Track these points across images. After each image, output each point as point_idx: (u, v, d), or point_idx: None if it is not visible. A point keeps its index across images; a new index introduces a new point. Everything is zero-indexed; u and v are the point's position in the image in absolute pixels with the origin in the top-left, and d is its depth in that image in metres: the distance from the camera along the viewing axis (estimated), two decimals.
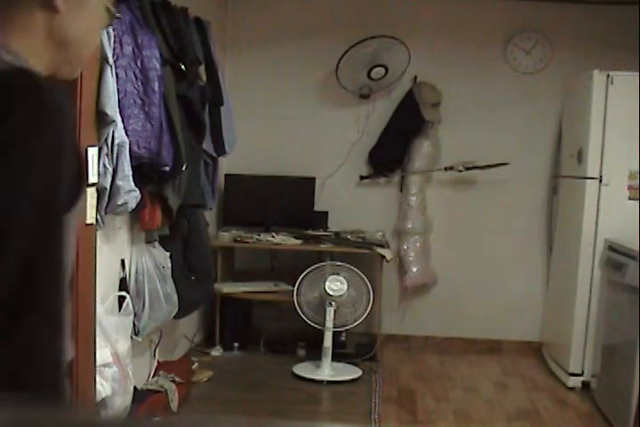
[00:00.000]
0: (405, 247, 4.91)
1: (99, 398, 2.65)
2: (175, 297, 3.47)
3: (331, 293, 4.17)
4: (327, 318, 4.20)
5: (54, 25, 0.97)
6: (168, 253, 3.49)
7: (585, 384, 4.04)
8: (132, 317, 3.10)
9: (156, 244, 3.43)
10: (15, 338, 0.89)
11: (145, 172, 2.96)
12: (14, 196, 0.80)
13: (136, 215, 3.19)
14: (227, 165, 4.80)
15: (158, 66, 2.85)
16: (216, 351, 4.55)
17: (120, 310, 3.07)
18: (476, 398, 3.98)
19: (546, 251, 4.92)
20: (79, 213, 1.00)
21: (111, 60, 2.59)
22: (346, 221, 4.93)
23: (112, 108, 2.55)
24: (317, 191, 4.91)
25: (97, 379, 2.62)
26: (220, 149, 3.95)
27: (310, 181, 4.89)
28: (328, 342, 4.21)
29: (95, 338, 2.58)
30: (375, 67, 4.76)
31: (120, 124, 2.65)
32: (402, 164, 4.94)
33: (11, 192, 0.80)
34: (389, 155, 4.93)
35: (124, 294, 3.12)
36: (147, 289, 3.27)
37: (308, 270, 4.33)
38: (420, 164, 4.86)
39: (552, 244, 4.83)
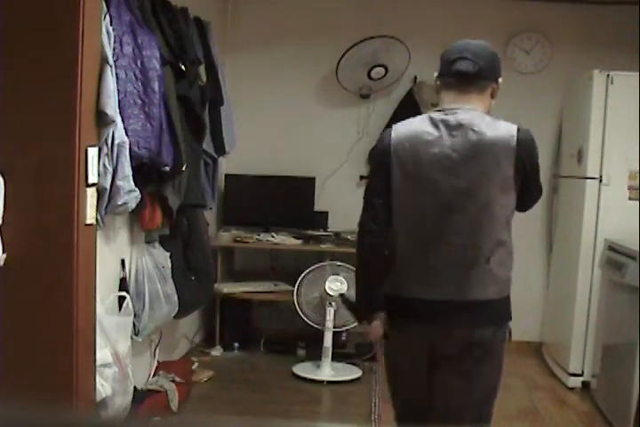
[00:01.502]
0: None
1: (99, 398, 2.65)
2: (175, 297, 3.47)
3: (331, 293, 4.17)
4: (327, 318, 4.20)
5: (491, 104, 2.33)
6: (168, 253, 3.49)
7: (585, 384, 4.04)
8: (131, 317, 3.10)
9: (156, 244, 3.43)
10: None
11: (145, 172, 2.96)
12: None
13: (136, 215, 3.19)
14: (227, 165, 4.80)
15: (158, 66, 2.85)
16: (216, 351, 4.55)
17: (120, 310, 3.06)
18: None
19: (546, 251, 4.92)
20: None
21: (111, 60, 2.59)
22: (346, 221, 4.92)
23: (112, 108, 2.55)
24: (317, 191, 4.91)
25: (97, 379, 2.62)
26: (220, 149, 3.95)
27: (310, 181, 4.89)
28: (328, 342, 4.21)
29: (95, 338, 2.58)
30: (375, 67, 4.76)
31: (120, 124, 2.65)
32: None
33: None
34: None
35: (124, 294, 3.12)
36: (147, 289, 3.27)
37: (307, 270, 4.33)
38: None
39: (552, 244, 4.83)
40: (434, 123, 2.19)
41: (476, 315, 2.17)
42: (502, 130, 2.16)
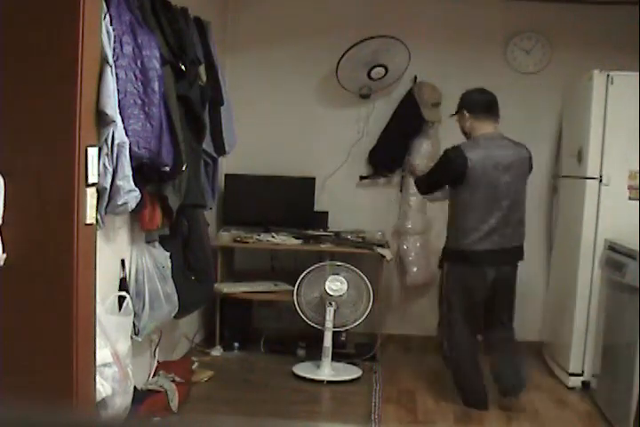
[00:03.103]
0: (405, 247, 4.91)
1: (99, 398, 2.65)
2: (175, 297, 3.47)
3: (331, 293, 4.17)
4: (327, 318, 4.20)
5: None
6: (168, 253, 3.49)
7: (585, 384, 4.04)
8: (131, 317, 3.10)
9: (156, 244, 3.43)
10: None
11: (145, 172, 2.96)
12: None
13: (136, 215, 3.19)
14: (227, 165, 4.80)
15: (158, 66, 2.84)
16: (216, 351, 4.55)
17: (120, 310, 3.06)
18: None
19: (546, 251, 4.92)
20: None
21: (111, 60, 2.59)
22: (346, 221, 4.93)
23: (112, 108, 2.55)
24: (317, 191, 4.91)
25: (97, 379, 2.62)
26: (220, 149, 3.95)
27: (310, 181, 4.89)
28: (328, 342, 4.21)
29: (95, 338, 2.58)
30: (375, 67, 4.76)
31: (120, 124, 2.65)
32: (402, 164, 4.95)
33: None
34: (389, 155, 4.93)
35: (124, 294, 3.12)
36: (147, 289, 3.27)
37: (307, 270, 4.33)
38: (420, 164, 4.86)
39: (552, 244, 4.82)
40: (487, 142, 3.66)
41: (513, 254, 3.77)
42: (520, 147, 3.75)
